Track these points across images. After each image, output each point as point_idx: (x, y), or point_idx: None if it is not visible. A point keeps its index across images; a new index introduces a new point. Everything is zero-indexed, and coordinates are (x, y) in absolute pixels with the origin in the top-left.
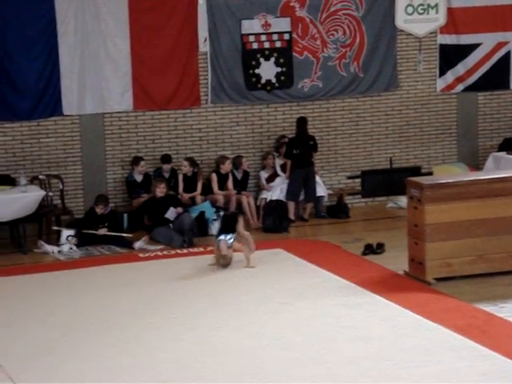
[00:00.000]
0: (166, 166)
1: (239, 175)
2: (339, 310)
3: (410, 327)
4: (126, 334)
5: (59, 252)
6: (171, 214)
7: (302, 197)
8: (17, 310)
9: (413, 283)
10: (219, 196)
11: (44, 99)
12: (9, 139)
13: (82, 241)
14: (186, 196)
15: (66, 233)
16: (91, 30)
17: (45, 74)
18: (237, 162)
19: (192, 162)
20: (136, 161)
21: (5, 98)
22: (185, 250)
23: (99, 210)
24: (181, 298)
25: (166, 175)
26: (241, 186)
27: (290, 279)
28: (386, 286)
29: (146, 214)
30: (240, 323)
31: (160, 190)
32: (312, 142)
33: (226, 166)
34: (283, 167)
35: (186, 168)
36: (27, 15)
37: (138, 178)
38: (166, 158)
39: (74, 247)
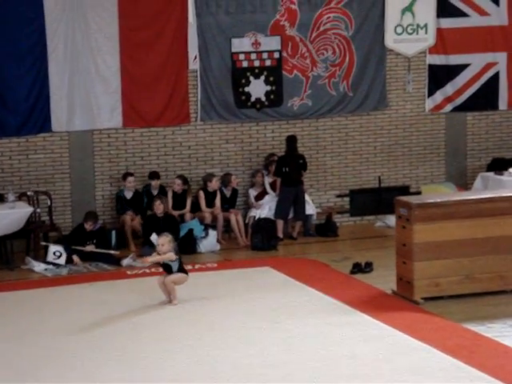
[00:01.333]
0: (155, 183)
1: (228, 193)
2: (327, 329)
3: (399, 347)
4: (114, 352)
5: (46, 270)
6: (154, 238)
7: (290, 215)
8: (2, 327)
9: (401, 302)
10: (207, 214)
11: (33, 115)
12: None
13: (70, 257)
14: (176, 213)
15: (54, 248)
16: (81, 46)
17: (34, 91)
18: (226, 180)
19: (184, 179)
20: (124, 176)
21: None
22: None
23: (88, 226)
24: (169, 316)
25: (155, 192)
26: (229, 203)
27: (278, 297)
28: (374, 305)
29: (145, 230)
30: (228, 341)
31: (156, 208)
32: (301, 161)
33: (213, 184)
34: (272, 185)
35: (178, 186)
36: (17, 31)
37: (128, 194)
38: (155, 175)
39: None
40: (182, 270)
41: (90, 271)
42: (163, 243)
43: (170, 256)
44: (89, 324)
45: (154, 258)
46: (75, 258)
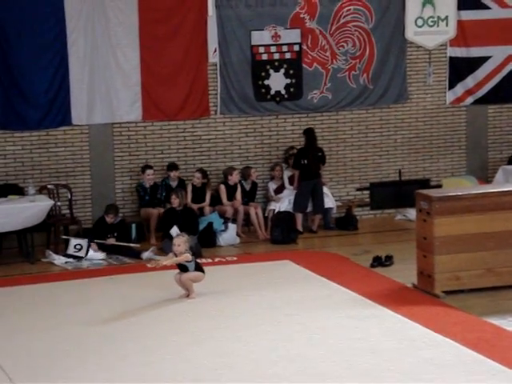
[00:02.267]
0: (174, 174)
1: (248, 186)
2: (348, 323)
3: (419, 340)
4: (134, 346)
5: (66, 263)
6: (174, 231)
7: (310, 208)
8: (23, 320)
9: (421, 296)
10: (227, 207)
11: (53, 109)
12: (18, 148)
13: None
14: (195, 207)
15: (74, 241)
16: (101, 40)
17: (54, 84)
18: (245, 173)
19: (204, 173)
20: (143, 169)
21: (14, 108)
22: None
23: (109, 219)
24: (188, 309)
25: (174, 184)
26: (249, 197)
27: (298, 291)
28: (395, 298)
29: (164, 223)
30: (248, 335)
31: (172, 201)
32: (320, 154)
33: (234, 177)
34: (291, 179)
35: (197, 179)
36: (37, 26)
37: (147, 185)
38: (173, 166)
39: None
40: (198, 268)
41: (110, 264)
42: (179, 243)
43: (186, 257)
44: (108, 317)
45: (169, 260)
46: (94, 245)
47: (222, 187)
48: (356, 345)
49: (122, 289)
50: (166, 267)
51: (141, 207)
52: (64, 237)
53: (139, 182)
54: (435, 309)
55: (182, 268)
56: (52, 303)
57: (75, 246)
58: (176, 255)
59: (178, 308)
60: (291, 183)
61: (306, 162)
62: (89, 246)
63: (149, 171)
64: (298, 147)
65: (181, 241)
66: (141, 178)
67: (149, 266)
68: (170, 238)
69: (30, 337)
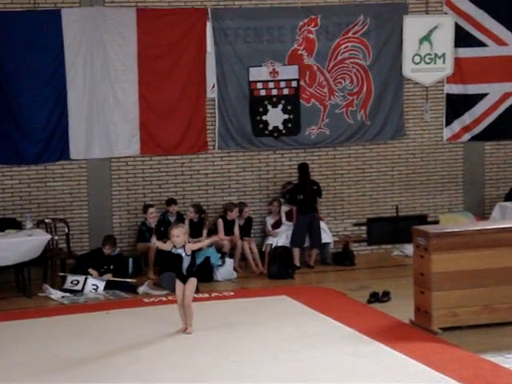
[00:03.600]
0: (173, 208)
1: (241, 222)
2: (344, 359)
3: (417, 377)
4: (133, 382)
5: (63, 297)
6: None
7: (307, 243)
8: (19, 355)
9: (419, 332)
10: (225, 242)
11: (51, 143)
12: (16, 183)
13: (87, 272)
14: (192, 241)
15: (71, 278)
16: (100, 75)
17: (53, 119)
18: (239, 210)
19: (198, 208)
20: (145, 209)
21: (12, 142)
22: (195, 295)
23: (106, 250)
24: (185, 345)
25: (172, 219)
26: (244, 231)
27: (295, 326)
28: (392, 334)
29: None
30: (246, 371)
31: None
32: (315, 187)
33: (233, 214)
34: (289, 214)
35: (191, 214)
36: (36, 60)
37: (150, 224)
38: (172, 201)
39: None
40: (191, 271)
41: (106, 299)
42: (178, 234)
43: (192, 246)
44: (105, 353)
45: (194, 244)
46: (92, 271)
47: (221, 221)
48: (353, 381)
49: (119, 324)
50: (163, 302)
51: (138, 242)
52: (61, 274)
53: (143, 222)
54: (432, 345)
55: (176, 261)
56: (48, 338)
57: (72, 282)
58: (175, 246)
59: (175, 343)
60: (289, 218)
61: (301, 197)
62: (84, 281)
63: (151, 210)
64: (295, 182)
65: (180, 232)
66: (140, 214)
67: (152, 292)
68: (169, 270)
69: (25, 369)
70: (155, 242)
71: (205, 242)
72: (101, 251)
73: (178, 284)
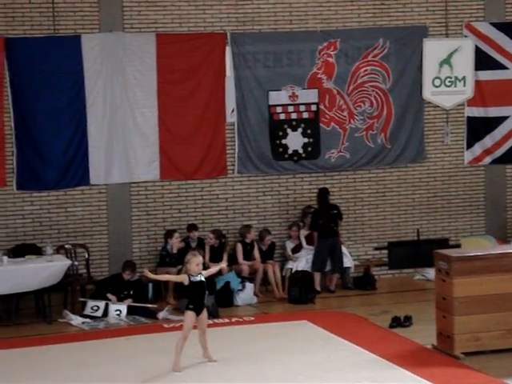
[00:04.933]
0: (193, 234)
1: (264, 247)
2: None
3: None
4: None
5: (83, 323)
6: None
7: (328, 267)
8: (39, 382)
9: (441, 357)
10: (244, 266)
11: (71, 169)
12: (36, 208)
13: (105, 297)
14: (212, 266)
15: (92, 303)
16: (119, 100)
17: (73, 144)
18: (261, 236)
19: (218, 234)
20: (168, 234)
21: (32, 168)
22: (210, 321)
23: (126, 275)
24: (205, 372)
25: (193, 244)
26: (266, 256)
27: (316, 352)
28: (414, 360)
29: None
30: None
31: None
32: (336, 211)
33: (252, 235)
34: (308, 238)
35: (211, 240)
36: (56, 87)
37: (173, 250)
38: (193, 227)
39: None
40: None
41: (127, 324)
42: (199, 263)
43: (205, 274)
44: (123, 378)
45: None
46: (111, 296)
47: (239, 246)
48: None
49: (139, 349)
50: (182, 327)
51: (159, 266)
52: (81, 299)
53: (163, 246)
54: (455, 370)
55: (201, 290)
56: (68, 364)
57: (92, 308)
58: (191, 275)
59: (196, 370)
60: (308, 242)
61: (322, 221)
62: (106, 306)
63: (176, 235)
64: (315, 206)
65: (201, 260)
66: (160, 239)
67: (172, 317)
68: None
69: None
70: (156, 277)
71: (212, 269)
72: (120, 276)
73: (192, 315)
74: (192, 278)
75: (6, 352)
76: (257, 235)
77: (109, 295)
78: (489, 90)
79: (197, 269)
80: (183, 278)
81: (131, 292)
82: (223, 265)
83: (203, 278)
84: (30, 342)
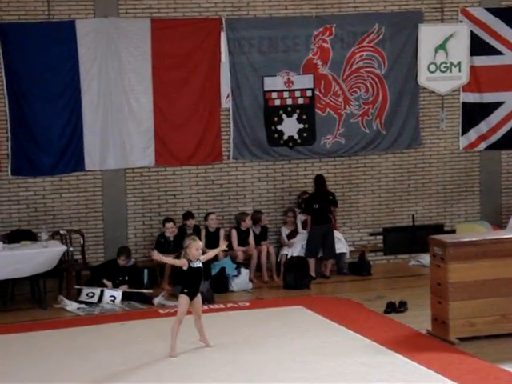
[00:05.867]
0: (190, 222)
1: (257, 230)
2: (361, 370)
3: None
4: None
5: (78, 309)
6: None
7: (321, 254)
8: (35, 367)
9: (436, 343)
10: (239, 252)
11: (66, 155)
12: (31, 194)
13: (101, 283)
14: (208, 252)
15: (87, 290)
16: (114, 86)
17: (67, 130)
18: (256, 218)
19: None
20: (163, 222)
21: (27, 154)
22: (205, 307)
23: (121, 261)
24: (200, 356)
25: (189, 231)
26: (260, 239)
27: (311, 337)
28: (409, 345)
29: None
30: (259, 381)
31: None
32: (331, 197)
33: (247, 223)
34: (305, 223)
35: (212, 221)
36: (51, 72)
37: (169, 237)
38: (189, 215)
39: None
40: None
41: (122, 310)
42: (198, 248)
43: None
44: (121, 366)
45: (206, 255)
46: (106, 282)
47: (234, 232)
48: None
49: (135, 335)
50: (176, 313)
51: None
52: (77, 287)
53: (161, 233)
54: (450, 356)
55: (198, 276)
56: (64, 349)
57: (87, 294)
58: (191, 260)
59: (191, 355)
60: (305, 227)
61: (317, 206)
62: (101, 292)
63: (168, 225)
64: (310, 192)
65: (199, 246)
66: (155, 225)
67: (167, 302)
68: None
69: (40, 383)
70: (162, 258)
71: (210, 253)
72: (115, 262)
73: (186, 299)
74: (191, 264)
75: (1, 337)
76: (250, 220)
77: (104, 281)
78: (484, 76)
79: (197, 253)
80: (183, 263)
81: (126, 278)
82: (223, 247)
83: (201, 265)
84: (26, 327)
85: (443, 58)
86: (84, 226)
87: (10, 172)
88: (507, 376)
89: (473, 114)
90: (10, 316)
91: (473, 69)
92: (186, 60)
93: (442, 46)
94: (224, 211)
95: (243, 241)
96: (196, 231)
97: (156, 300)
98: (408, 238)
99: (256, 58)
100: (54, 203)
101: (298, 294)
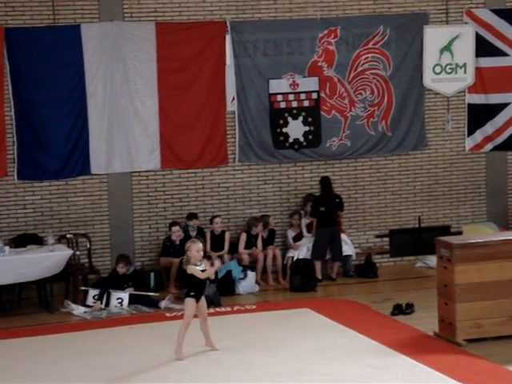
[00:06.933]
0: (194, 223)
1: (265, 234)
2: (368, 372)
3: None
4: None
5: (85, 312)
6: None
7: (328, 256)
8: (42, 371)
9: (443, 344)
10: (244, 255)
11: (72, 159)
12: (37, 198)
13: (108, 300)
14: (214, 254)
15: (93, 292)
16: (120, 89)
17: (73, 134)
18: (264, 222)
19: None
20: (170, 225)
21: (33, 158)
22: (211, 310)
23: (120, 269)
24: (208, 360)
25: (193, 233)
26: (267, 243)
27: (317, 339)
28: (416, 347)
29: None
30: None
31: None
32: (338, 200)
33: (258, 229)
34: (309, 226)
35: (217, 224)
36: (57, 76)
37: (176, 241)
38: (193, 216)
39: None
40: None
41: (129, 313)
42: (199, 249)
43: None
44: (128, 369)
45: (211, 270)
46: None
47: (243, 236)
48: None
49: (142, 339)
50: (183, 316)
51: (162, 256)
52: (83, 288)
53: (168, 237)
54: (457, 357)
55: (202, 281)
56: (71, 353)
57: (94, 297)
58: (195, 264)
59: (198, 358)
60: (309, 231)
61: (323, 209)
62: (108, 295)
63: (174, 228)
64: (316, 195)
65: (200, 247)
66: (161, 229)
67: (173, 306)
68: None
69: None
70: (192, 271)
71: (209, 271)
72: (115, 271)
73: (192, 302)
74: (197, 268)
75: (8, 342)
76: (261, 226)
77: (111, 291)
78: (489, 77)
79: (198, 255)
80: (204, 274)
81: (130, 284)
82: (218, 264)
83: (205, 267)
84: (33, 331)
85: (448, 60)
86: (90, 230)
87: (16, 176)
88: None
89: (478, 116)
90: (17, 320)
91: (478, 70)
92: (191, 63)
93: (447, 48)
94: (230, 214)
95: (252, 245)
96: (200, 232)
97: (162, 303)
98: (414, 240)
99: (261, 60)
100: (61, 207)
101: (304, 297)
